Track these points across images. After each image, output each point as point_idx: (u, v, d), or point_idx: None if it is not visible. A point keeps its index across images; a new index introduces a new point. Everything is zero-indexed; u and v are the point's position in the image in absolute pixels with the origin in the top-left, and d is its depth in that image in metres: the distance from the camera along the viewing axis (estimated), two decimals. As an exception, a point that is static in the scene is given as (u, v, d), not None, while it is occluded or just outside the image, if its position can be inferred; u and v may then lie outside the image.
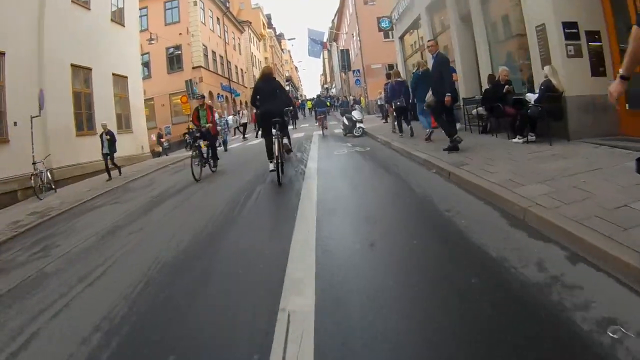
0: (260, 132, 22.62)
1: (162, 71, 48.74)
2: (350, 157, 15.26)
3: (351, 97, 47.04)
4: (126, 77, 28.81)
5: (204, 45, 50.50)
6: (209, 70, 51.48)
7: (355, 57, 52.96)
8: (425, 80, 14.40)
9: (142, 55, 46.67)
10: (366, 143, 18.61)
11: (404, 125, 18.81)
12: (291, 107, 13.93)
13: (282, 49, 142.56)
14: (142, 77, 46.11)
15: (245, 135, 36.98)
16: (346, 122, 22.86)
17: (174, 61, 49.20)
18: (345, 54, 44.88)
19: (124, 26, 29.18)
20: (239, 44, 71.09)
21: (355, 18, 48.93)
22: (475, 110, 15.28)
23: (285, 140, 13.24)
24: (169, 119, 48.20)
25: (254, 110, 13.89)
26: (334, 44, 79.65)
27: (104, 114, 24.51)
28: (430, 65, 14.06)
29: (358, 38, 47.92)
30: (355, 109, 23.81)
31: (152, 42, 40.43)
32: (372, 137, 20.67)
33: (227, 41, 61.45)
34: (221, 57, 57.86)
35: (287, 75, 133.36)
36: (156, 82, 47.61)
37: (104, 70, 25.83)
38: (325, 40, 67.47)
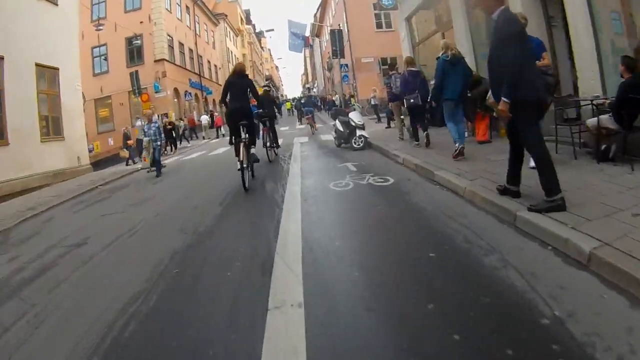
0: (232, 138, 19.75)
1: (121, 65, 42.17)
2: (362, 203, 8.27)
3: (336, 96, 40.81)
4: (57, 69, 22.31)
5: (169, 35, 44.47)
6: (175, 64, 45.42)
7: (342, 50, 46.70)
8: (455, 69, 10.80)
9: (99, 47, 42.33)
10: (378, 163, 12.64)
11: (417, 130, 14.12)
12: (274, 109, 15.34)
13: (262, 47, 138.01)
14: (99, 72, 41.67)
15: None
16: (340, 128, 16.66)
17: (134, 53, 42.92)
18: (337, 35, 37.36)
19: (56, 5, 22.66)
20: (213, 38, 65.10)
21: (342, 5, 42.88)
22: (593, 120, 8.07)
23: (252, 149, 12.13)
24: (129, 120, 41.10)
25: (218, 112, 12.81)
26: (316, 39, 74.29)
27: (20, 116, 18.65)
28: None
29: (346, 28, 41.61)
30: (353, 110, 17.05)
31: (100, 28, 34.14)
32: (380, 151, 14.70)
33: (198, 33, 55.44)
34: (190, 50, 51.81)
35: (267, 74, 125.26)
36: (115, 77, 41.44)
37: (22, 59, 19.45)
38: (307, 34, 61.11)
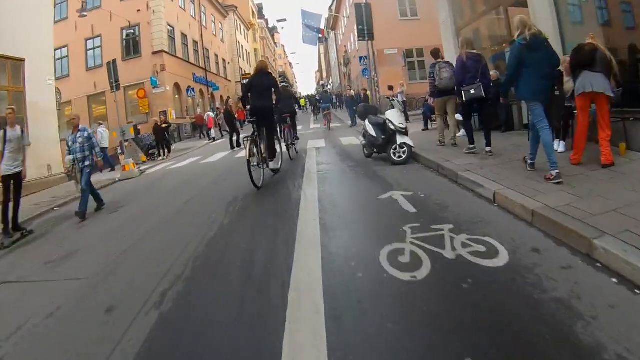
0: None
1: (116, 58, 37.19)
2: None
3: (350, 92, 36.19)
4: (21, 61, 18.29)
5: (169, 25, 40.17)
6: (176, 57, 41.09)
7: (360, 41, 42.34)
8: (535, 57, 7.35)
9: (94, 38, 38.64)
10: (443, 193, 7.90)
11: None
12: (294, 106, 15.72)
13: (275, 43, 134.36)
14: (93, 66, 37.89)
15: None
16: (372, 132, 11.99)
17: (131, 45, 38.77)
18: (364, 11, 30.28)
19: (24, -15, 18.40)
20: (222, 31, 60.80)
21: (361, -9, 38.51)
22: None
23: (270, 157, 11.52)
24: (124, 118, 36.94)
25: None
26: (332, 33, 70.07)
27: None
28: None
29: (365, 16, 37.22)
30: (394, 103, 12.49)
31: (84, 14, 29.71)
32: (434, 168, 10.23)
33: (204, 24, 51.10)
34: (195, 42, 47.40)
35: (280, 70, 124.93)
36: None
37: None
38: (322, 27, 56.79)
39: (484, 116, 11.01)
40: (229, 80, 60.84)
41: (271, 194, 9.46)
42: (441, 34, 19.01)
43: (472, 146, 10.71)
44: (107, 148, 24.16)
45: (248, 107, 11.82)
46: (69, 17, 37.27)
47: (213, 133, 33.82)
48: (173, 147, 29.24)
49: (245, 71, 70.31)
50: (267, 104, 11.01)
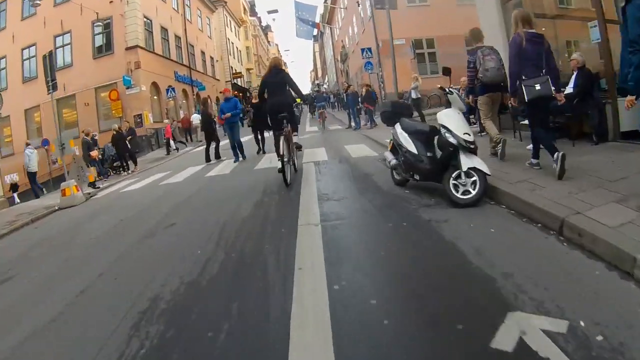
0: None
1: (86, 56, 33.91)
2: None
3: (352, 88, 31.07)
4: None
5: (146, 18, 35.67)
6: (154, 53, 36.42)
7: (362, 33, 38.52)
8: None
9: (63, 35, 34.53)
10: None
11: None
12: (303, 101, 14.50)
13: (268, 42, 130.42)
14: (62, 66, 32.84)
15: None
16: (410, 146, 7.40)
17: (103, 41, 34.27)
18: None
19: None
20: (209, 26, 56.40)
21: (362, -26, 34.26)
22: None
23: (295, 139, 11.35)
24: (95, 123, 33.05)
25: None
26: (327, 28, 65.71)
27: None
28: None
29: (369, 3, 32.63)
30: (452, 98, 7.62)
31: (37, 3, 24.97)
32: (538, 222, 5.44)
33: (189, 18, 46.61)
34: (177, 37, 42.89)
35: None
36: (80, 71, 33.42)
37: None
38: (317, 20, 52.38)
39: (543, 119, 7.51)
40: (218, 80, 56.02)
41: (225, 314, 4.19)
42: (477, 10, 14.60)
43: (536, 160, 7.56)
44: (35, 173, 21.34)
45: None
46: (37, 12, 32.81)
47: (173, 144, 29.20)
48: (147, 155, 26.17)
49: (235, 70, 66.41)
50: (284, 100, 11.03)
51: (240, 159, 16.12)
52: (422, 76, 29.66)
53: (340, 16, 53.19)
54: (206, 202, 9.46)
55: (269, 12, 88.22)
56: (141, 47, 33.52)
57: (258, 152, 17.50)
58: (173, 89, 36.17)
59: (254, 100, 15.85)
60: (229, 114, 16.28)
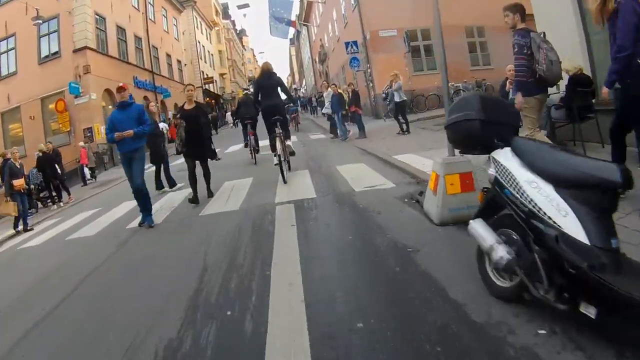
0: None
1: (31, 61, 29.62)
2: None
3: (328, 90, 25.29)
4: None
5: (99, 15, 31.16)
6: (108, 56, 31.87)
7: (345, 27, 34.09)
8: None
9: (7, 38, 30.41)
10: None
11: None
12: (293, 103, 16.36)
13: (243, 46, 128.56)
14: (6, 74, 30.63)
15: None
16: (570, 225, 2.85)
17: (49, 43, 29.83)
18: None
19: None
20: (176, 27, 51.88)
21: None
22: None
23: (288, 142, 11.77)
24: (42, 139, 28.11)
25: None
26: (304, 27, 61.70)
27: None
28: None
29: (353, -8, 28.71)
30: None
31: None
32: None
33: (152, 18, 42.27)
34: (138, 38, 38.28)
35: (249, 75, 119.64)
36: (25, 80, 29.26)
37: None
38: (293, 18, 48.19)
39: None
40: (186, 85, 50.72)
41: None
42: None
43: None
44: None
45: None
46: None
47: (87, 173, 23.91)
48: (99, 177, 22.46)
49: (207, 74, 61.99)
50: (277, 101, 11.80)
51: (154, 220, 8.90)
52: (418, 73, 25.90)
53: (318, 13, 49.21)
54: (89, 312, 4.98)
55: (239, 7, 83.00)
56: (91, 49, 29.14)
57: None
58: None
59: (186, 107, 10.37)
60: (128, 132, 8.46)
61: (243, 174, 13.09)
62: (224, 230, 6.94)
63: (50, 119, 29.23)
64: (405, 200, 7.24)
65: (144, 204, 8.84)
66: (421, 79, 25.80)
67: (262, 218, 7.39)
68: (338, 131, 18.84)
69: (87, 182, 23.10)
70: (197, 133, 9.92)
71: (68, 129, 27.37)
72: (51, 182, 16.99)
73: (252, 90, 31.30)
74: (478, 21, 27.35)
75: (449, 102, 6.53)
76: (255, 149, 15.45)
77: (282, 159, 10.74)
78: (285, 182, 10.32)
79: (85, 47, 28.57)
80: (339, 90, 19.47)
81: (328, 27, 42.92)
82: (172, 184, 13.11)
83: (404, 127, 17.19)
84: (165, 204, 10.67)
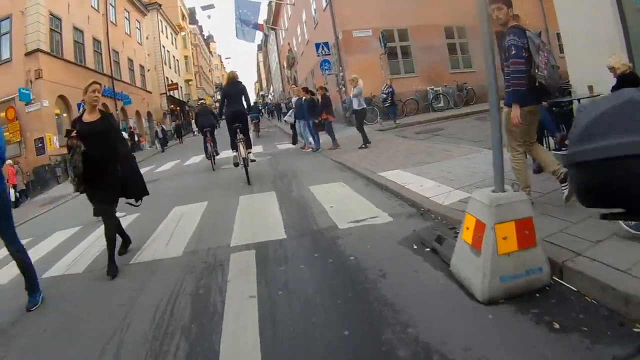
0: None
1: None
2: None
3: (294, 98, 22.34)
4: None
5: (53, 16, 28.76)
6: (62, 60, 29.44)
7: (315, 28, 32.28)
8: None
9: None
10: None
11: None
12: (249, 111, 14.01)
13: (210, 52, 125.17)
14: None
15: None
16: None
17: (0, 47, 27.21)
18: None
19: None
20: (139, 30, 49.26)
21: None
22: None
23: (250, 150, 12.36)
24: None
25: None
26: (272, 31, 60.27)
27: None
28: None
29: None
30: None
31: None
32: None
33: (113, 20, 39.84)
34: (97, 41, 35.86)
35: (216, 82, 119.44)
36: None
37: None
38: (260, 22, 46.41)
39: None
40: (149, 92, 49.22)
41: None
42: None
43: None
44: None
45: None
46: None
47: (12, 195, 19.69)
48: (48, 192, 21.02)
49: (172, 81, 59.55)
50: (241, 108, 12.38)
51: (40, 299, 5.60)
52: (395, 76, 24.29)
53: (286, 16, 47.34)
54: None
55: (204, 8, 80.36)
56: (43, 52, 26.74)
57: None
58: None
59: (87, 118, 6.13)
60: None
61: (197, 194, 11.31)
62: (152, 299, 4.83)
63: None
64: (415, 246, 5.26)
65: (28, 280, 5.59)
66: (398, 83, 23.94)
67: (209, 275, 5.37)
68: (305, 141, 16.97)
69: (19, 203, 20.33)
70: (104, 161, 6.15)
71: (18, 139, 25.07)
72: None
73: (206, 101, 35.31)
74: (458, 21, 25.82)
75: (498, 113, 4.29)
76: (213, 155, 16.72)
77: (243, 163, 11.72)
78: (249, 183, 11.31)
79: (37, 50, 26.25)
80: (317, 94, 17.05)
81: (297, 30, 41.25)
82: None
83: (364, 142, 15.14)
84: (94, 242, 8.21)
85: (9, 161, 21.13)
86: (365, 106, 15.94)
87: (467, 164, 9.17)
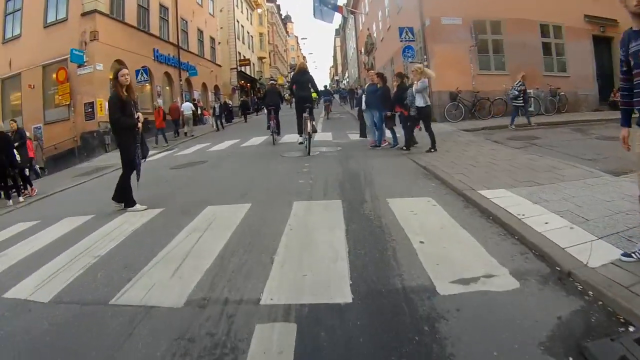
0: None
1: (36, 24, 25.87)
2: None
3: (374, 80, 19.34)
4: None
5: (113, -27, 27.00)
6: (123, 23, 27.96)
7: (398, 13, 29.58)
8: None
9: None
10: None
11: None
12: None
13: (287, 32, 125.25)
14: (10, 37, 27.23)
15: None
16: None
17: (57, 4, 25.90)
18: None
19: None
20: (213, 2, 47.51)
21: None
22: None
23: (313, 123, 14.41)
24: (40, 111, 25.59)
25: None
26: (351, 15, 58.84)
27: None
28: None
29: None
30: None
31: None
32: None
33: (183, -15, 37.93)
34: (164, 7, 34.19)
35: (291, 62, 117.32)
36: (27, 44, 25.87)
37: None
38: (340, 3, 44.53)
39: None
40: (219, 65, 47.65)
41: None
42: None
43: None
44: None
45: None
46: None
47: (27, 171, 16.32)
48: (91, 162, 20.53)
49: (244, 56, 58.23)
50: (308, 93, 15.20)
51: None
52: (484, 72, 21.74)
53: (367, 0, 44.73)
54: None
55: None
56: (101, 13, 25.15)
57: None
58: (146, 70, 27.17)
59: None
60: None
61: (242, 188, 9.20)
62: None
63: (50, 90, 25.51)
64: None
65: None
66: (487, 80, 21.68)
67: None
68: (373, 136, 14.57)
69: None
70: None
71: (68, 102, 23.81)
72: (7, 171, 12.67)
73: (278, 80, 41.20)
74: (555, 18, 22.84)
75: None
76: (276, 132, 18.08)
77: (308, 138, 13.68)
78: (309, 153, 13.19)
79: (95, 11, 24.66)
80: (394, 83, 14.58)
81: (378, 15, 38.64)
82: (129, 203, 8.45)
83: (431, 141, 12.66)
84: (90, 247, 6.25)
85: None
86: (429, 103, 12.93)
87: (593, 194, 6.66)
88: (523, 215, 5.80)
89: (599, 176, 7.79)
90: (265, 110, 20.62)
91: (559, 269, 4.33)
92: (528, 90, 21.18)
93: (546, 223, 5.46)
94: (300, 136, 14.74)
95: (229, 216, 6.97)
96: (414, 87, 12.55)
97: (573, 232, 5.11)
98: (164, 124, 23.96)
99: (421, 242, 5.20)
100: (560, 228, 5.27)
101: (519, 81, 18.28)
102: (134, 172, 8.31)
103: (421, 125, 13.04)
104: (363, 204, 7.18)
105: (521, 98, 18.29)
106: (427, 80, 12.64)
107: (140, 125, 8.21)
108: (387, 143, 14.31)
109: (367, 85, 16.07)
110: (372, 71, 18.13)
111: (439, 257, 4.71)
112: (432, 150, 12.33)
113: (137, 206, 8.13)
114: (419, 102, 12.47)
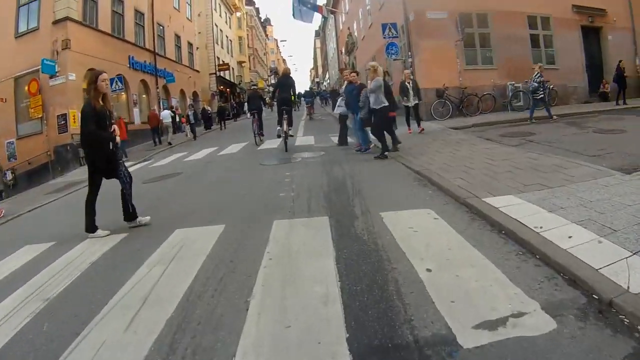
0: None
1: (6, 35, 24.76)
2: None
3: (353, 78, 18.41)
4: None
5: (85, -20, 25.99)
6: (96, 30, 26.87)
7: (380, 9, 28.75)
8: None
9: None
10: None
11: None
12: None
13: (266, 36, 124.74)
14: None
15: None
16: None
17: (28, 13, 24.96)
18: None
19: None
20: (190, 6, 46.66)
21: None
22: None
23: (290, 128, 16.45)
24: (13, 125, 24.61)
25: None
26: (331, 15, 57.44)
27: None
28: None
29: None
30: None
31: None
32: None
33: (160, -9, 36.91)
34: (140, 13, 33.20)
35: (271, 65, 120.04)
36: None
37: None
38: (319, 3, 43.97)
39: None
40: (197, 71, 46.79)
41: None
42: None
43: None
44: None
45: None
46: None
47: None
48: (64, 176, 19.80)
49: (223, 61, 57.23)
50: (288, 96, 16.55)
51: None
52: (470, 67, 21.13)
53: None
54: None
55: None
56: (73, 20, 24.15)
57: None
58: (120, 78, 26.21)
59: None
60: None
61: (217, 205, 8.46)
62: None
63: (22, 103, 24.55)
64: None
65: None
66: (474, 75, 21.16)
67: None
68: (360, 140, 13.52)
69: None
70: None
71: (40, 115, 22.80)
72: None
73: (259, 85, 48.93)
74: (543, 9, 22.45)
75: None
76: (260, 133, 19.63)
77: (284, 135, 15.50)
78: (287, 150, 14.71)
79: (67, 18, 23.68)
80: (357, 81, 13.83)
81: (359, 13, 38.09)
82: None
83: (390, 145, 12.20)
84: (42, 287, 5.33)
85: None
86: (386, 104, 11.73)
87: (611, 197, 5.96)
88: (541, 228, 5.03)
89: (609, 175, 7.16)
90: (249, 115, 21.73)
91: (597, 297, 3.55)
92: (517, 84, 20.51)
93: (570, 237, 4.69)
94: (279, 127, 16.50)
95: (198, 243, 6.07)
96: (368, 87, 11.85)
97: (603, 248, 4.36)
98: (126, 135, 22.81)
99: (428, 269, 4.31)
100: (587, 242, 4.51)
101: (537, 72, 17.65)
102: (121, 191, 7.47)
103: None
104: (353, 221, 6.29)
105: (542, 90, 17.59)
106: (381, 79, 11.79)
107: (118, 139, 7.33)
108: (373, 145, 13.31)
109: (344, 85, 15.48)
110: (346, 70, 17.47)
111: (453, 291, 3.84)
112: (382, 156, 11.63)
113: (99, 232, 7.18)
114: (373, 102, 11.67)
